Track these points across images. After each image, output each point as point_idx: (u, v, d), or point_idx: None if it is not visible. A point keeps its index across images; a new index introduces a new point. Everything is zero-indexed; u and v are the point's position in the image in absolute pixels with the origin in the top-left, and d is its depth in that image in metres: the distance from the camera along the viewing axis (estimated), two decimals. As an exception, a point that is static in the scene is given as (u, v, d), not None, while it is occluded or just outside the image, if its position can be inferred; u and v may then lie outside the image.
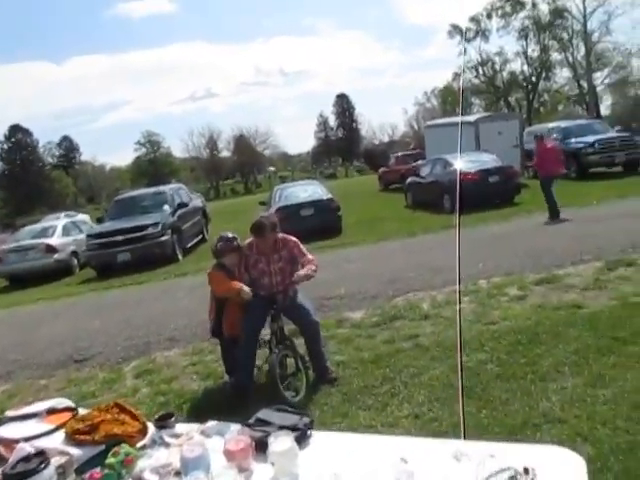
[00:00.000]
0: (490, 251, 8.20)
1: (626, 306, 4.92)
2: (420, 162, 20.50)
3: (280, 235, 4.45)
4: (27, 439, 1.86)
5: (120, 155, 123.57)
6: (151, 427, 1.99)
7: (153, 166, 64.73)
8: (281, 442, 1.59)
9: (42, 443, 1.85)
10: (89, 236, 13.63)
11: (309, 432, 1.81)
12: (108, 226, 13.96)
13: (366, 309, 6.27)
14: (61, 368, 6.14)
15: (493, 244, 8.87)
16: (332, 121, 71.46)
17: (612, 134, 18.46)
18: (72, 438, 1.84)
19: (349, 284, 7.49)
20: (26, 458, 1.68)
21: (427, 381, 4.00)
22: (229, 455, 1.70)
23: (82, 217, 24.03)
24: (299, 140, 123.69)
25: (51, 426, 1.98)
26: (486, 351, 4.38)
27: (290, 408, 2.00)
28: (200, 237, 15.76)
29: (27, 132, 63.71)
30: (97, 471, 1.72)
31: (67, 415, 2.06)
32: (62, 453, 1.76)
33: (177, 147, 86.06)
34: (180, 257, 13.47)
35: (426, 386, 3.92)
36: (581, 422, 3.12)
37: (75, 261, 14.90)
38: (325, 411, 3.81)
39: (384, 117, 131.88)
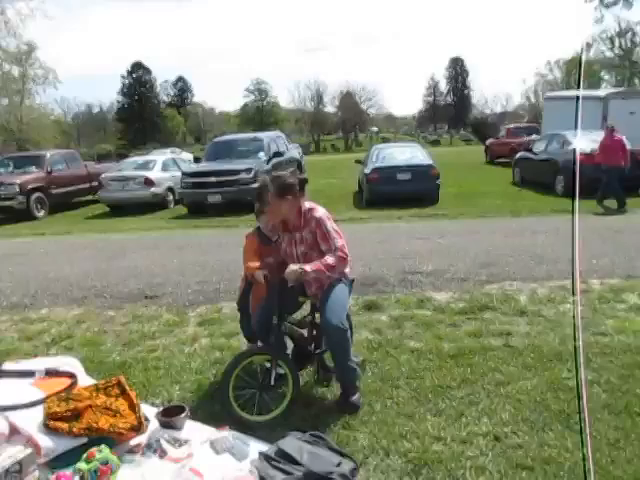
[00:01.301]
0: (606, 246, 7.13)
1: None
2: (535, 137, 18.83)
3: (307, 206, 3.34)
4: (3, 409, 1.49)
5: (230, 101, 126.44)
6: (153, 420, 1.55)
7: (259, 114, 65.67)
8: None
9: (17, 418, 1.47)
10: (184, 174, 13.93)
11: (348, 486, 1.26)
12: (203, 166, 14.24)
13: (453, 291, 5.59)
14: (131, 302, 6.08)
15: (610, 239, 7.74)
16: (443, 86, 68.23)
17: None
18: (46, 423, 1.44)
19: (438, 260, 6.80)
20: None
21: (515, 394, 3.31)
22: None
23: (185, 155, 24.85)
24: (406, 102, 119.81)
25: (38, 395, 1.60)
26: (594, 369, 3.60)
27: (330, 441, 1.42)
28: (291, 189, 15.54)
29: (147, 70, 66.68)
30: (67, 473, 1.31)
31: (63, 383, 1.68)
32: (28, 442, 1.36)
33: (284, 98, 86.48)
34: (270, 207, 13.34)
35: (513, 400, 3.23)
36: None
37: (171, 196, 15.39)
38: (389, 407, 3.27)
39: (499, 86, 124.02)
